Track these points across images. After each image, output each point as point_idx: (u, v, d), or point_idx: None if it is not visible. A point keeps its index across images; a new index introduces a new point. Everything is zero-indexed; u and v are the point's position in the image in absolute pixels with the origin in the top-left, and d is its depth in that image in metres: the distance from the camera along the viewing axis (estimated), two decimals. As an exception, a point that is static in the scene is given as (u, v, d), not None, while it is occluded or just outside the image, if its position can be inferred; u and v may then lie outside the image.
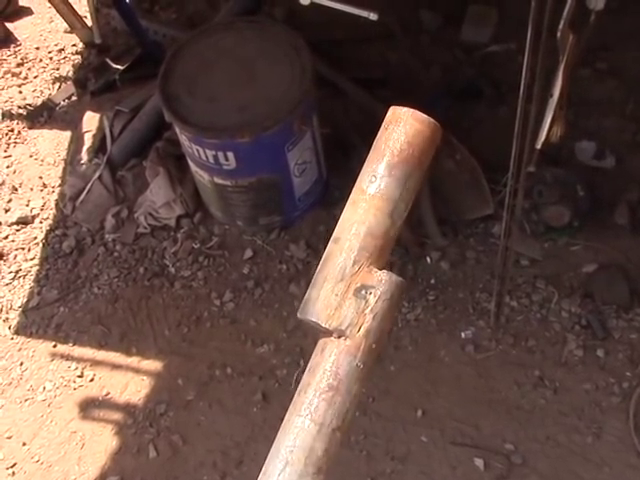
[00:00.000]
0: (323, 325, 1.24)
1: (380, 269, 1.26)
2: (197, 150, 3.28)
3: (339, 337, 1.23)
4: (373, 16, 2.51)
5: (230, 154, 3.23)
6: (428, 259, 3.47)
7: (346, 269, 1.25)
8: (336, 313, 1.23)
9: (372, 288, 1.23)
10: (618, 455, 2.97)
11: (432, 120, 1.32)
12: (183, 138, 3.34)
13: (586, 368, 3.16)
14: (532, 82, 2.25)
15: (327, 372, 1.21)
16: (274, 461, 1.18)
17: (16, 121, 4.21)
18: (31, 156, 4.08)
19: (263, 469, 1.20)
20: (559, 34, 2.22)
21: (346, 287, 1.24)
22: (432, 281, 3.42)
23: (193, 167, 3.48)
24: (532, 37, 2.13)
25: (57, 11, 4.35)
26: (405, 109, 1.33)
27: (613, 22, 2.31)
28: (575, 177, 3.47)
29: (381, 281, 1.23)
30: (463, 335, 3.28)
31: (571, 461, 2.97)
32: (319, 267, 1.29)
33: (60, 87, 4.33)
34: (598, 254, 3.41)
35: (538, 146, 2.51)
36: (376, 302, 1.23)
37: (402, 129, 1.31)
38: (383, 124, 1.35)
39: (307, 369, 1.25)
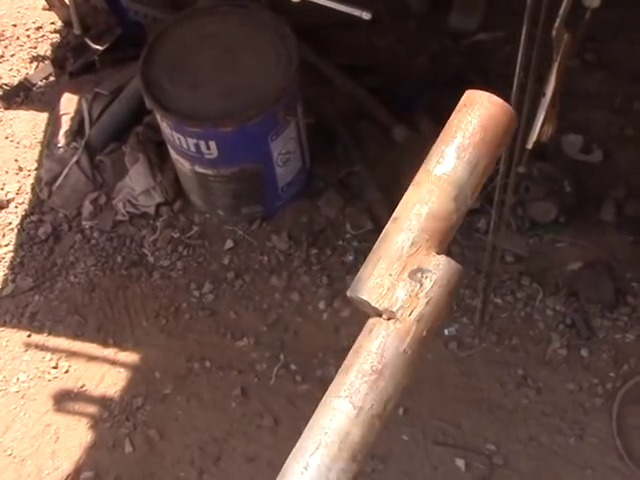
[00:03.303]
0: (373, 304, 1.16)
1: (439, 254, 1.19)
2: (178, 138, 3.20)
3: (389, 319, 1.16)
4: (366, 15, 2.43)
5: (212, 143, 3.16)
6: (412, 253, 3.41)
7: (403, 249, 1.17)
8: (388, 293, 1.15)
9: (429, 272, 1.15)
10: (601, 457, 2.95)
11: (507, 105, 1.26)
12: (164, 125, 3.25)
13: (570, 368, 3.13)
14: (525, 80, 2.20)
15: (372, 354, 1.12)
16: (306, 441, 1.11)
17: (-9, 101, 4.10)
18: (7, 138, 3.97)
19: (294, 448, 1.13)
20: (554, 33, 2.16)
21: (401, 268, 1.16)
22: (416, 276, 3.36)
23: (174, 155, 3.39)
24: (527, 34, 2.07)
25: (35, -12, 4.23)
26: (481, 92, 1.25)
27: (603, 13, 2.26)
28: (562, 172, 3.42)
29: (439, 265, 1.15)
30: (446, 332, 3.23)
31: (553, 463, 2.95)
32: (375, 246, 1.20)
33: (38, 66, 4.21)
34: (584, 251, 3.37)
35: (529, 146, 2.46)
36: (432, 287, 1.14)
37: (476, 112, 1.24)
38: (457, 107, 1.28)
39: (352, 350, 1.15)
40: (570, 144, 3.62)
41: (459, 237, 3.44)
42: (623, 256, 3.34)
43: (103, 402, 3.20)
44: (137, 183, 3.58)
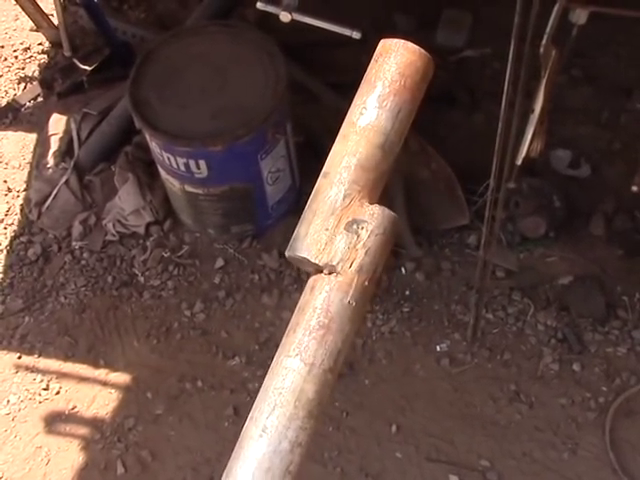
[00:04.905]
0: (313, 261, 1.16)
1: (372, 203, 1.19)
2: (168, 157, 3.20)
3: (330, 273, 1.16)
4: (356, 35, 2.44)
5: (202, 162, 3.16)
6: (403, 270, 3.42)
7: (337, 203, 1.18)
8: (326, 248, 1.16)
9: (364, 222, 1.17)
10: (594, 472, 2.95)
11: (424, 51, 1.27)
12: (153, 145, 3.25)
13: (562, 382, 3.13)
14: (513, 96, 2.21)
15: (317, 310, 1.14)
16: (261, 404, 1.11)
17: (-21, 122, 4.09)
18: (-5, 159, 3.97)
19: (250, 413, 1.12)
20: (542, 50, 2.17)
21: (337, 221, 1.17)
22: (407, 292, 3.37)
23: (163, 174, 3.39)
24: (515, 51, 2.08)
25: (22, 9, 4.22)
26: (396, 40, 1.27)
27: (589, 29, 2.28)
28: (551, 187, 3.44)
29: (373, 215, 1.17)
30: (438, 348, 3.23)
31: (547, 478, 2.95)
32: (308, 202, 1.21)
33: (26, 87, 4.20)
34: (574, 265, 3.38)
35: (518, 162, 2.47)
36: (368, 236, 1.16)
37: (393, 60, 1.26)
38: (373, 57, 1.29)
39: (297, 308, 1.16)
40: (558, 159, 3.64)
41: (449, 253, 3.44)
42: (613, 270, 3.35)
43: (94, 423, 3.18)
44: (127, 203, 3.57)
